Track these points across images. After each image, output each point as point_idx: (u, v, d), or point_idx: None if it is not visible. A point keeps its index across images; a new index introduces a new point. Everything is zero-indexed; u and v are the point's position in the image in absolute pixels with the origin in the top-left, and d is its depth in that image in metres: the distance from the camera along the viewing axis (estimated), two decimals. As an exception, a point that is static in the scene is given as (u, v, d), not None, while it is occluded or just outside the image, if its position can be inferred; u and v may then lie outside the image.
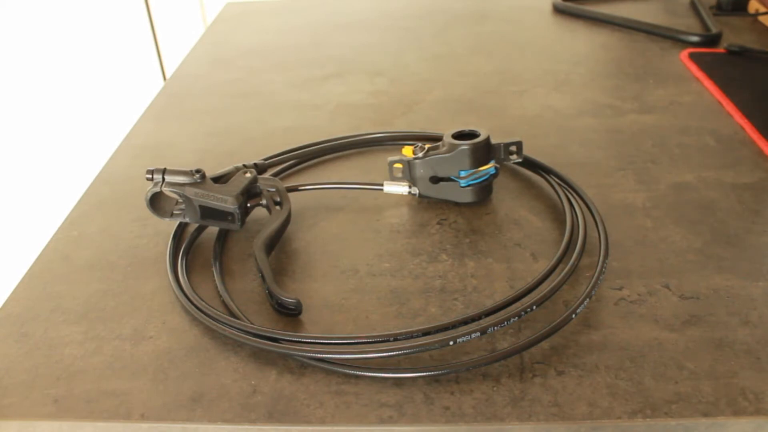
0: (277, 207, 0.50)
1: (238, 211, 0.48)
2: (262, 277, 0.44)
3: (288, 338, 0.40)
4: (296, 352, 0.39)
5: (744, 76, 0.74)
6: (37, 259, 0.50)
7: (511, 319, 0.40)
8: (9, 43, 1.32)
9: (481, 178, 0.52)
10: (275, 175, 0.58)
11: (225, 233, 0.51)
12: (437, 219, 0.52)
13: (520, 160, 0.54)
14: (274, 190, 0.51)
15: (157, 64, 1.33)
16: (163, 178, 0.47)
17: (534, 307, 0.41)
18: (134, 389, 0.38)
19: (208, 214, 0.49)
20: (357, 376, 0.38)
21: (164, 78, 1.35)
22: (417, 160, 0.52)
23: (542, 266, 0.46)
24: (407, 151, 0.53)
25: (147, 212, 0.49)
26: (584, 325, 0.41)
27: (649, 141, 0.62)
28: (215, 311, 0.42)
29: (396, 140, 0.63)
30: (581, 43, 0.86)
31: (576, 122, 0.66)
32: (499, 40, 0.89)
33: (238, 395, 0.37)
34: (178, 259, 0.48)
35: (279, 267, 0.48)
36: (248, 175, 0.50)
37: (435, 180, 0.53)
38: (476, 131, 0.52)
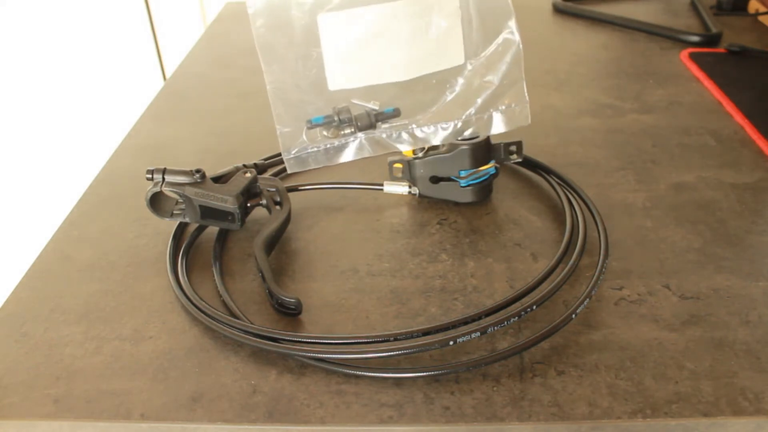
0: (277, 207, 0.50)
1: (238, 211, 0.48)
2: (262, 277, 0.44)
3: (288, 338, 0.40)
4: (296, 352, 0.39)
5: (744, 76, 0.74)
6: (37, 259, 0.49)
7: (511, 319, 0.40)
8: (9, 43, 1.32)
9: (481, 178, 0.52)
10: (275, 175, 0.58)
11: (225, 233, 0.51)
12: (437, 219, 0.52)
13: (520, 160, 0.54)
14: (274, 190, 0.51)
15: (157, 64, 1.33)
16: (163, 178, 0.47)
17: (534, 307, 0.41)
18: (134, 389, 0.38)
19: (208, 214, 0.49)
20: (357, 376, 0.38)
21: (164, 78, 1.34)
22: (417, 160, 0.52)
23: (542, 266, 0.46)
24: (407, 151, 0.53)
25: (147, 212, 0.49)
26: (584, 325, 0.41)
27: (649, 141, 0.62)
28: (215, 311, 0.42)
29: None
30: (581, 43, 0.86)
31: (576, 122, 0.66)
32: (499, 40, 0.88)
33: (238, 395, 0.37)
34: (178, 259, 0.48)
35: (279, 267, 0.48)
36: (248, 175, 0.50)
37: (435, 180, 0.53)
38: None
